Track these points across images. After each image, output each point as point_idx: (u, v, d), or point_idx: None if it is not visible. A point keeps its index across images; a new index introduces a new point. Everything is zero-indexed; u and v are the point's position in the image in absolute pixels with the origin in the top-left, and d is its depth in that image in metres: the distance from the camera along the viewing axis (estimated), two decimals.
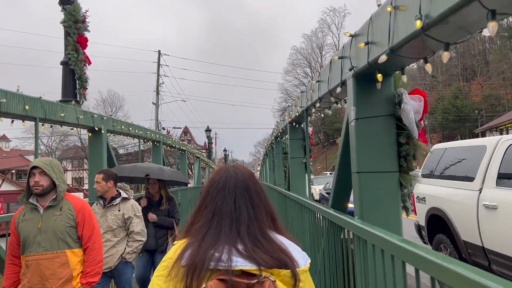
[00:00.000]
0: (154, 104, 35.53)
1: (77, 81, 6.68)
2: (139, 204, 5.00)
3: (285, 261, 1.20)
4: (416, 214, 6.75)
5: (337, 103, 4.61)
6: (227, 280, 1.13)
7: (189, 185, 18.86)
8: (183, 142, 18.05)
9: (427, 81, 57.03)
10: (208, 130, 28.22)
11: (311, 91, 4.84)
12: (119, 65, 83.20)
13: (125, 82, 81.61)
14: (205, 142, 35.13)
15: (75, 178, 57.05)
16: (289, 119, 7.62)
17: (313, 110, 5.03)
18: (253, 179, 1.39)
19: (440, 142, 35.24)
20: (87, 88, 6.82)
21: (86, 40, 6.88)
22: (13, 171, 47.58)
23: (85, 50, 6.87)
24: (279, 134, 11.17)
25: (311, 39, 68.56)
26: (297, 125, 7.71)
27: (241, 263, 1.17)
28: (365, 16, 2.64)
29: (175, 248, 1.28)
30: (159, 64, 36.97)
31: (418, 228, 6.79)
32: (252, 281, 1.13)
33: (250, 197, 1.34)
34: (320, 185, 19.00)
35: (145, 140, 10.93)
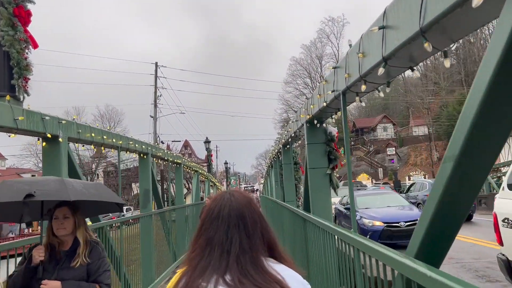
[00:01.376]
0: (152, 117, 34.26)
1: (14, 69, 4.79)
2: (30, 257, 2.70)
3: None
4: (501, 244, 4.73)
5: (412, 69, 2.70)
6: None
7: (186, 202, 16.89)
8: (179, 155, 16.06)
9: (429, 87, 55.65)
10: (207, 141, 26.44)
11: (359, 55, 2.91)
12: (117, 79, 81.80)
13: (123, 96, 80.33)
14: (206, 155, 33.48)
15: None
16: (309, 116, 5.68)
17: (363, 88, 3.09)
18: (249, 206, 1.33)
19: (445, 150, 33.07)
20: (29, 79, 4.92)
21: (28, 14, 5.02)
22: None
23: (27, 28, 5.01)
24: (289, 139, 9.24)
25: (310, 49, 67.24)
26: (318, 124, 5.76)
27: None
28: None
29: (176, 277, 1.28)
30: (156, 76, 35.90)
31: (507, 264, 4.70)
32: None
33: (245, 225, 1.28)
34: (334, 197, 16.70)
35: (127, 152, 8.95)
